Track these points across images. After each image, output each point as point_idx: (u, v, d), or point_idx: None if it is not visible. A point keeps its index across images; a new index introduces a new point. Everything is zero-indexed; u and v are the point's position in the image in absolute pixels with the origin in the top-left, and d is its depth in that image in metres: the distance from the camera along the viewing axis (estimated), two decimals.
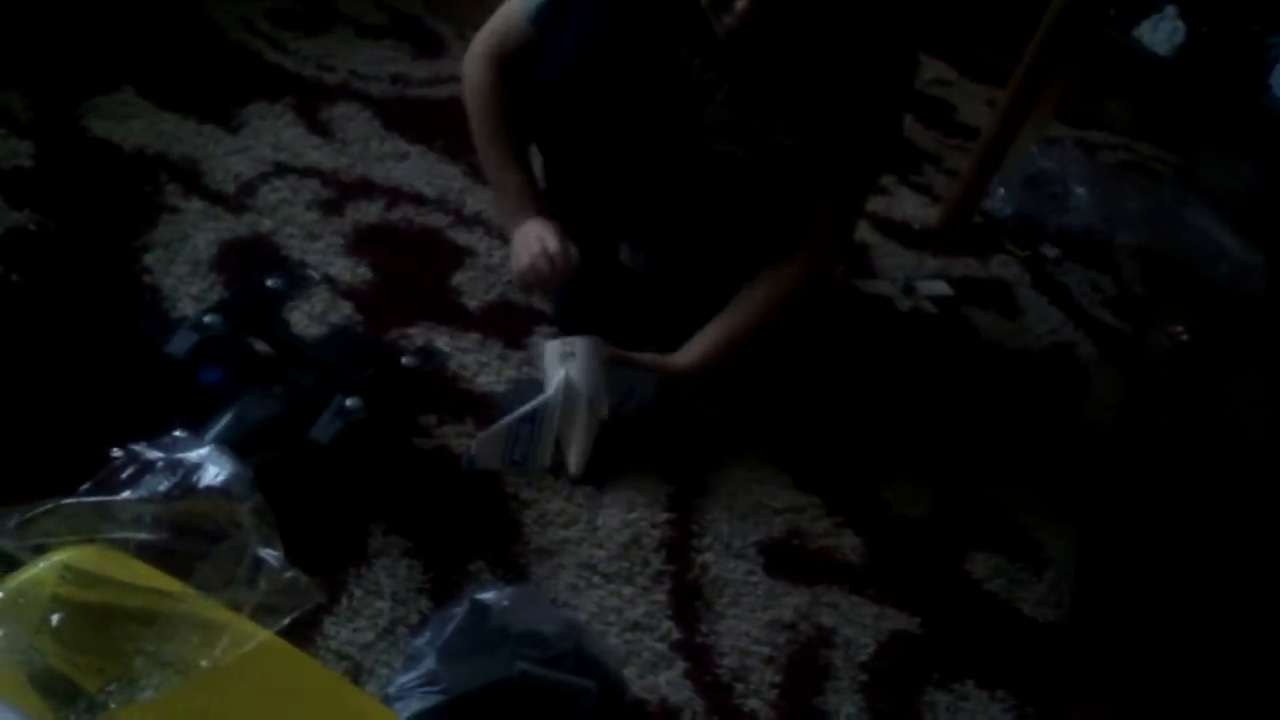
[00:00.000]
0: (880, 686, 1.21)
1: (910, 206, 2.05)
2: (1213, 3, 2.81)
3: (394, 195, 1.61)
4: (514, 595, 1.08)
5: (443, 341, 1.40)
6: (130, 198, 1.44)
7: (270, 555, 0.96)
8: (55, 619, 0.87)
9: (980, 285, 1.91)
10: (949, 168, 2.20)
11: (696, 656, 1.17)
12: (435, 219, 1.60)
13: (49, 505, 0.94)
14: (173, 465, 1.00)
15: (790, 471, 1.40)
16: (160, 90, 1.63)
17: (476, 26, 1.43)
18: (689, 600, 1.22)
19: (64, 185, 1.42)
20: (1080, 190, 2.15)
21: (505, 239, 1.50)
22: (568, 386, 1.28)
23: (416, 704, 0.97)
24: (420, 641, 1.04)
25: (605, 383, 1.30)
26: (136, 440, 1.02)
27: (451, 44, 2.00)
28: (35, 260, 1.31)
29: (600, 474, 1.31)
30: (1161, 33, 2.86)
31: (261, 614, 0.94)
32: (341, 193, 1.58)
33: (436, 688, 0.98)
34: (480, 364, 1.40)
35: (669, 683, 1.13)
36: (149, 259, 1.36)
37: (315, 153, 1.64)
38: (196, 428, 1.09)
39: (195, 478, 0.99)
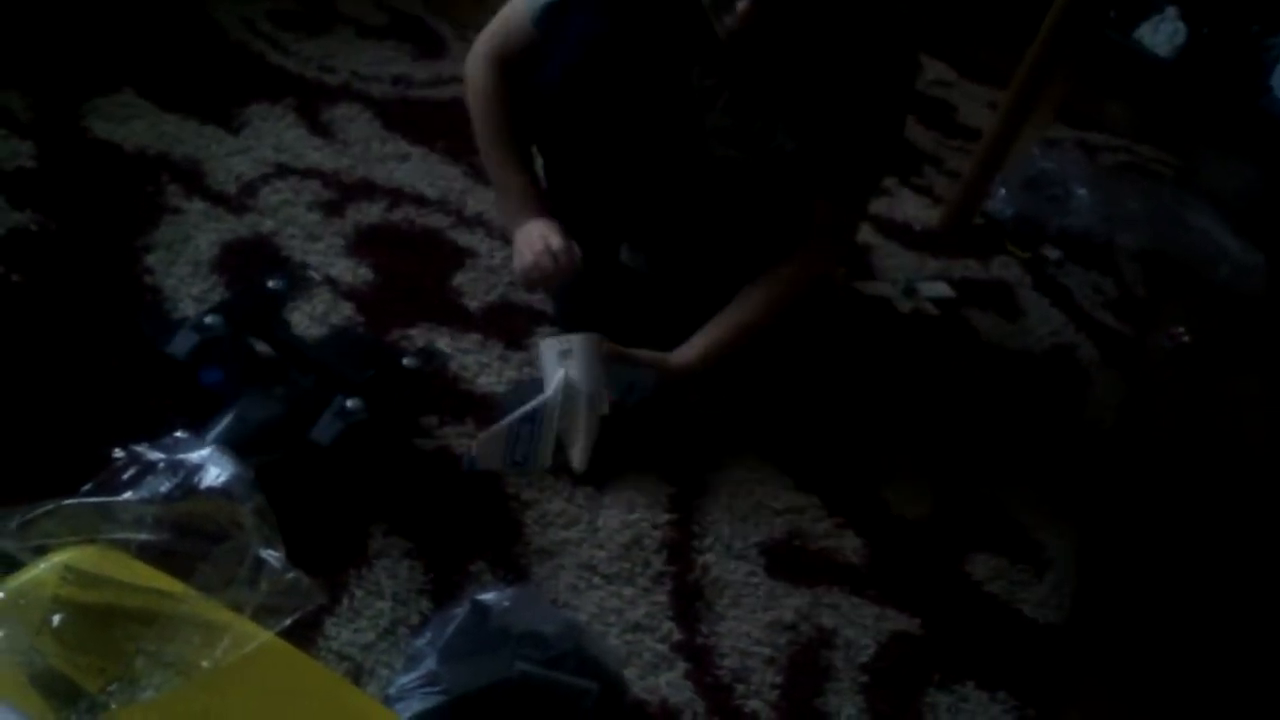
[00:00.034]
0: (881, 687, 1.21)
1: (911, 208, 2.05)
2: (1213, 4, 2.81)
3: (395, 196, 1.61)
4: (515, 596, 1.08)
5: (444, 342, 1.40)
6: (131, 198, 1.44)
7: (271, 556, 0.96)
8: (56, 620, 0.87)
9: (981, 287, 1.91)
10: (950, 169, 2.20)
11: (697, 657, 1.17)
12: (436, 220, 1.60)
13: (50, 506, 0.94)
14: (174, 466, 1.00)
15: (791, 472, 1.40)
16: (162, 91, 1.63)
17: (478, 27, 1.44)
18: (690, 601, 1.22)
19: (65, 186, 1.42)
20: (1081, 191, 2.15)
21: (506, 240, 1.50)
22: (567, 385, 1.28)
23: (417, 705, 0.97)
24: (421, 642, 1.04)
25: (604, 379, 1.30)
26: (138, 441, 1.02)
27: (453, 45, 2.01)
28: (36, 261, 1.31)
29: (601, 475, 1.31)
30: (1162, 34, 2.86)
31: (263, 615, 0.93)
32: (343, 194, 1.58)
33: (437, 688, 0.98)
34: (481, 365, 1.40)
35: (669, 684, 1.13)
36: (150, 260, 1.37)
37: (316, 154, 1.64)
38: (198, 428, 1.09)
39: (196, 478, 0.99)
